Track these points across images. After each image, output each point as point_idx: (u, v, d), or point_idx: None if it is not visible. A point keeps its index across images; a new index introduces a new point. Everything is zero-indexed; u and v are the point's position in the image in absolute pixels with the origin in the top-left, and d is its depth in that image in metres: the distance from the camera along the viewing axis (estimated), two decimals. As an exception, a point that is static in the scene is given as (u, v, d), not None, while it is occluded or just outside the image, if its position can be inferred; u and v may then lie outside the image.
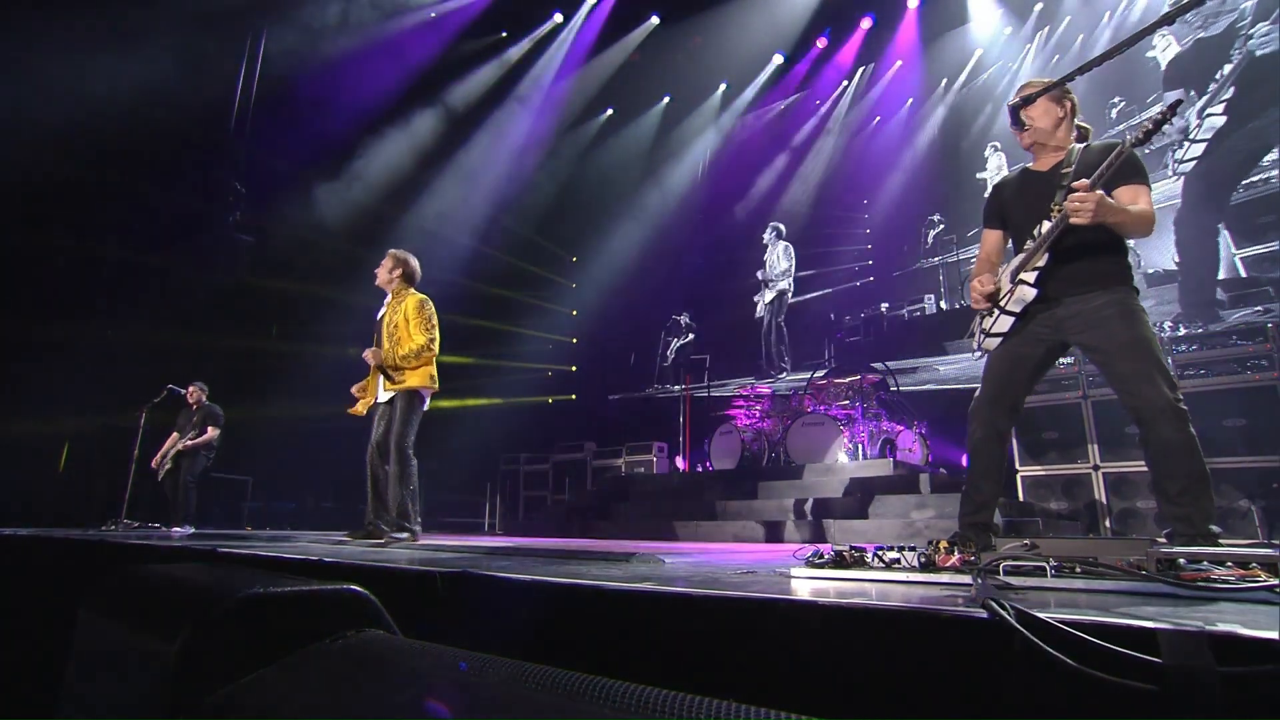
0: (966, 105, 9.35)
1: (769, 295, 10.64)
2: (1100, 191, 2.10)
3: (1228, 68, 7.08)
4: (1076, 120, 2.48)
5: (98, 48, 6.75)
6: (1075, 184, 2.13)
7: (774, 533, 4.94)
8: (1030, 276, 2.34)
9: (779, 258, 10.64)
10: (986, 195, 2.71)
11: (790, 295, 10.47)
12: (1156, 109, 2.39)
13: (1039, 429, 5.54)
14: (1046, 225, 2.32)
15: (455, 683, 0.65)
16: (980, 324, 2.54)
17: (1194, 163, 7.13)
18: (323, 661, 0.77)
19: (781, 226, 10.74)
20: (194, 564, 1.18)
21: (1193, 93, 7.35)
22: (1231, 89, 6.99)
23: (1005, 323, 2.42)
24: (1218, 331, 5.20)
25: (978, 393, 2.49)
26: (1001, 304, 2.43)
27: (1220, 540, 2.02)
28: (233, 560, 2.21)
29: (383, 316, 4.18)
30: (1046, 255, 2.34)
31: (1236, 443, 4.70)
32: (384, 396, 4.11)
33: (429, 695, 0.62)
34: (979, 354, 2.58)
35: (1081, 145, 2.43)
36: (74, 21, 6.70)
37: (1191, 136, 7.18)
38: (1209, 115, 7.09)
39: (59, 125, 6.72)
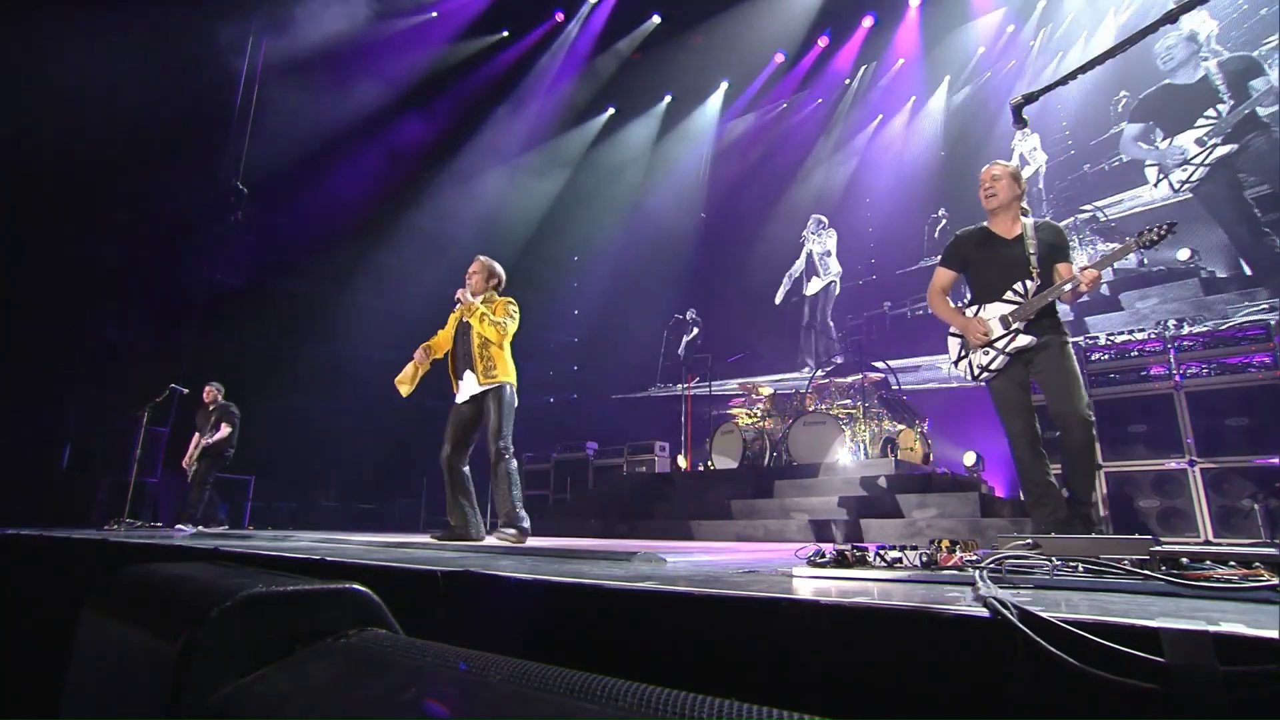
0: (969, 103, 9.33)
1: (814, 287, 10.35)
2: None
3: (1223, 109, 7.16)
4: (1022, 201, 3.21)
5: (98, 48, 6.75)
6: (1089, 271, 2.89)
7: (775, 532, 4.93)
8: (1022, 326, 3.07)
9: (831, 249, 10.34)
10: (950, 241, 3.39)
11: (837, 288, 10.15)
12: (1154, 229, 2.93)
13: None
14: (1030, 284, 3.03)
15: (456, 682, 0.65)
16: (976, 360, 3.19)
17: (1198, 183, 7.26)
18: (324, 660, 0.77)
19: (824, 218, 10.50)
20: (196, 563, 1.18)
21: (1156, 128, 7.62)
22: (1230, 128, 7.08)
23: (1002, 361, 3.13)
24: (1221, 330, 5.17)
25: (1009, 423, 3.13)
26: (1000, 346, 3.09)
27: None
28: (234, 559, 2.21)
29: (469, 321, 3.97)
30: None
31: (1239, 442, 4.69)
32: (465, 395, 4.02)
33: (430, 695, 0.62)
34: (976, 382, 3.26)
35: (1029, 221, 3.14)
36: (75, 22, 6.71)
37: (1195, 161, 7.27)
38: (1215, 146, 7.18)
39: (60, 125, 6.73)
